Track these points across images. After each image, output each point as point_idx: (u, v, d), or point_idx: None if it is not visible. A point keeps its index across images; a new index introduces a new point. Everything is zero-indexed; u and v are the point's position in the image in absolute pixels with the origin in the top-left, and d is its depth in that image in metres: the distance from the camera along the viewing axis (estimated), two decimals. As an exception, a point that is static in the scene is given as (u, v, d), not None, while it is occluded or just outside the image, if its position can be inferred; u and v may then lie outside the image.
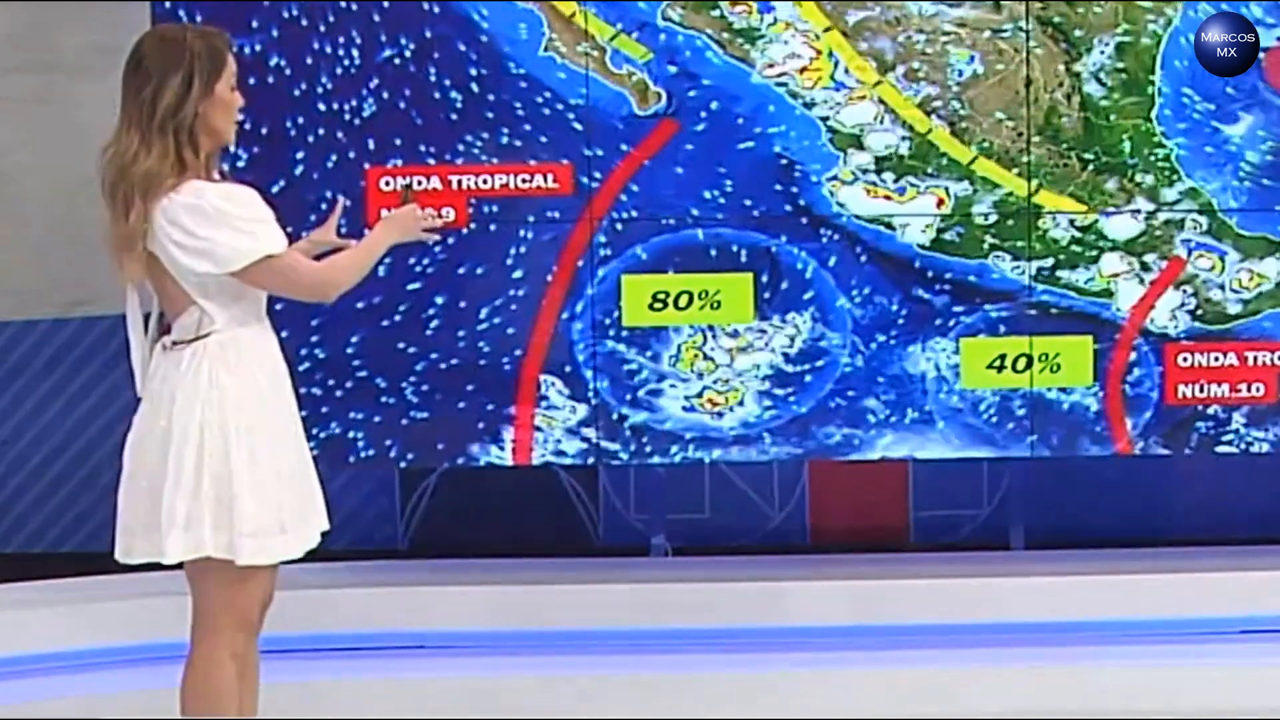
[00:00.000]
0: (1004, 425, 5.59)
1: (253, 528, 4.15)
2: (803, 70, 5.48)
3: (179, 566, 4.23)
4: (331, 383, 5.61)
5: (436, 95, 5.54)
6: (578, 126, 5.54)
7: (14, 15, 6.49)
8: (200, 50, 4.16)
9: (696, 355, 5.61)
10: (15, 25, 6.51)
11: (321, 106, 5.54)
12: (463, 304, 5.60)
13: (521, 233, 5.59)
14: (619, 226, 5.58)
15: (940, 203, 5.51)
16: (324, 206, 5.51)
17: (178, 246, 4.12)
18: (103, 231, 4.19)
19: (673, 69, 5.50)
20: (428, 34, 5.52)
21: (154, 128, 4.12)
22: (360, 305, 5.51)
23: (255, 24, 5.50)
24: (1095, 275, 5.51)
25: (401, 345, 5.61)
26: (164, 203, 4.10)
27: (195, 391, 4.15)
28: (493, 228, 5.58)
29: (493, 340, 5.61)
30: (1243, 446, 5.58)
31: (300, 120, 5.53)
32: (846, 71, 5.48)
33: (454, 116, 5.55)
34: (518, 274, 5.60)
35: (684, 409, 5.62)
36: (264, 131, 5.46)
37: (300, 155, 5.53)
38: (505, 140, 5.55)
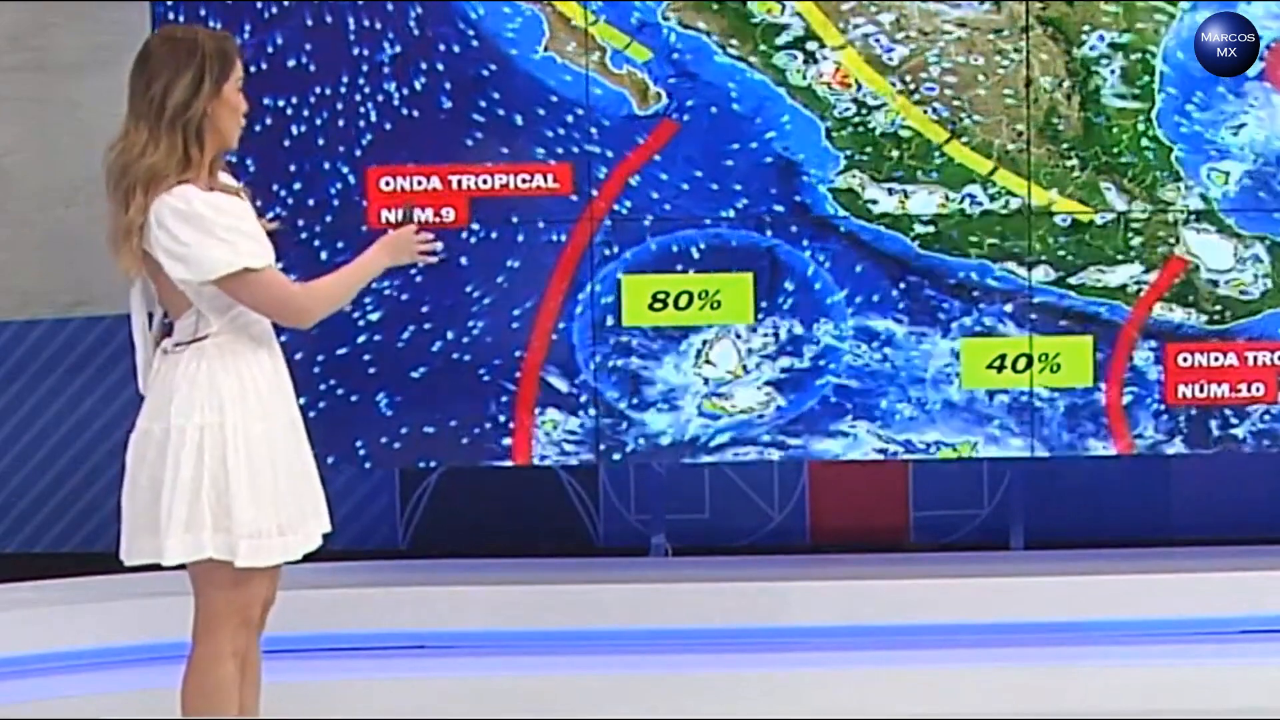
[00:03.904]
0: (1004, 425, 5.59)
1: (250, 529, 4.15)
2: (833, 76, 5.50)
3: (180, 566, 4.23)
4: (332, 382, 5.61)
5: (437, 95, 5.54)
6: (578, 126, 5.54)
7: (14, 15, 6.49)
8: (211, 50, 4.17)
9: (696, 355, 5.61)
10: (15, 25, 6.51)
11: (321, 106, 5.54)
12: (462, 304, 5.60)
13: (521, 233, 5.59)
14: (619, 226, 5.58)
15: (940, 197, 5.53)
16: (319, 206, 5.53)
17: (161, 249, 4.11)
18: (101, 231, 4.19)
19: (675, 57, 5.51)
20: (428, 34, 5.53)
21: (163, 124, 4.12)
22: (360, 305, 5.50)
23: (255, 24, 5.51)
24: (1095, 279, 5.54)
25: (401, 345, 5.61)
26: (156, 204, 4.10)
27: (193, 394, 4.15)
28: (493, 228, 5.58)
29: (492, 340, 5.61)
30: (1242, 446, 5.58)
31: (299, 121, 5.53)
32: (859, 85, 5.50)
33: (454, 116, 5.55)
34: (518, 274, 5.60)
35: (684, 409, 5.62)
36: (264, 129, 5.46)
37: (299, 156, 5.53)
38: (505, 140, 5.55)
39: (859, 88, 5.49)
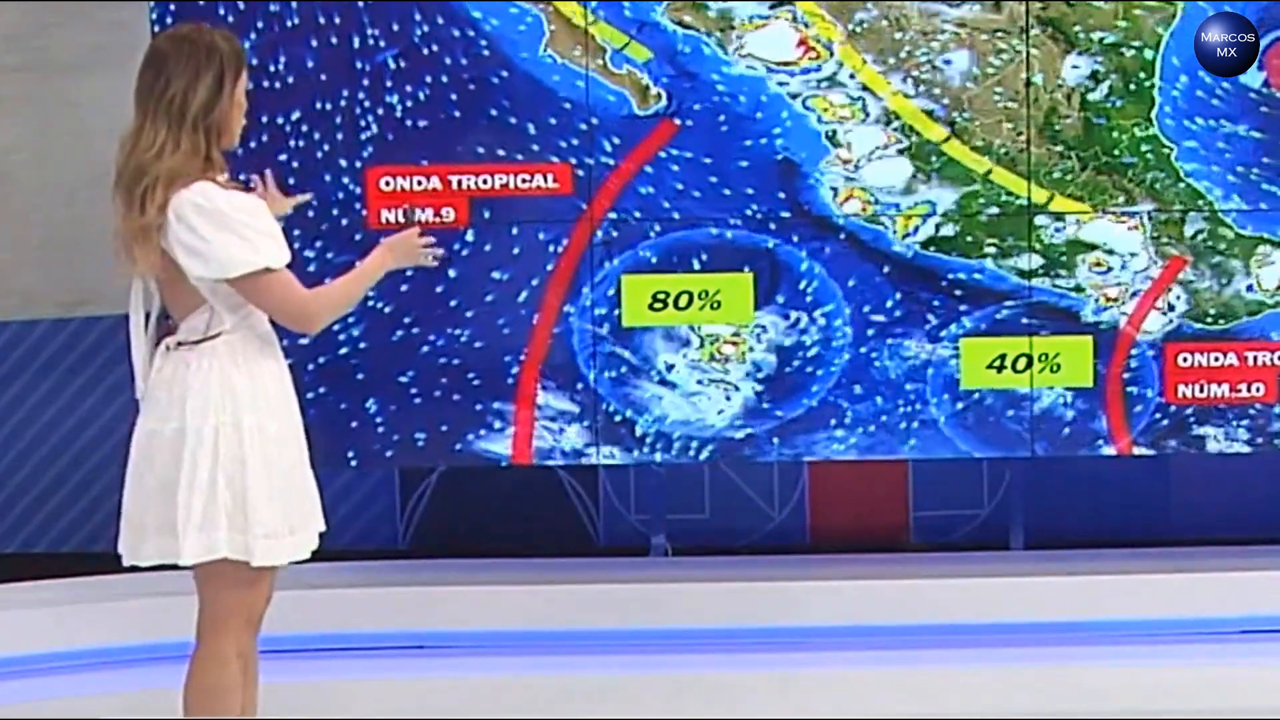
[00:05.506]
0: (1004, 425, 5.60)
1: (267, 529, 4.17)
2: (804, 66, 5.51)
3: (177, 566, 4.24)
4: (331, 383, 5.61)
5: (437, 95, 5.54)
6: (578, 127, 5.54)
7: (14, 15, 6.49)
8: (227, 51, 4.19)
9: (695, 355, 5.61)
10: (15, 25, 6.51)
11: (320, 107, 5.54)
12: (462, 304, 5.60)
13: (521, 233, 5.59)
14: (619, 227, 5.58)
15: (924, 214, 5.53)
16: (320, 206, 5.53)
17: (181, 245, 4.12)
18: (102, 231, 4.19)
19: (680, 49, 5.52)
20: (428, 34, 5.52)
21: (185, 125, 4.12)
22: (360, 305, 5.50)
23: (255, 24, 5.51)
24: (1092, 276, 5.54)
25: (401, 345, 5.61)
26: (175, 200, 4.10)
27: (207, 393, 4.16)
28: (492, 227, 5.58)
29: (492, 340, 5.61)
30: (1241, 446, 5.58)
31: (299, 120, 5.53)
32: (853, 76, 5.49)
33: (454, 116, 5.55)
34: (517, 274, 5.60)
35: (684, 409, 5.62)
36: (263, 133, 5.46)
37: (298, 156, 5.53)
38: (505, 140, 5.55)
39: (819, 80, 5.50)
